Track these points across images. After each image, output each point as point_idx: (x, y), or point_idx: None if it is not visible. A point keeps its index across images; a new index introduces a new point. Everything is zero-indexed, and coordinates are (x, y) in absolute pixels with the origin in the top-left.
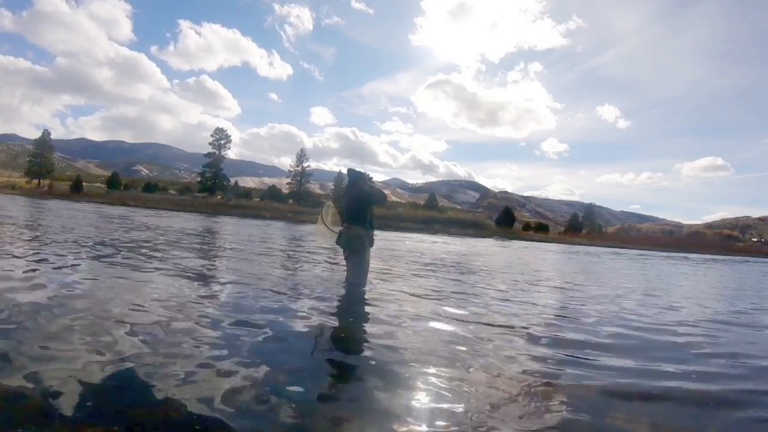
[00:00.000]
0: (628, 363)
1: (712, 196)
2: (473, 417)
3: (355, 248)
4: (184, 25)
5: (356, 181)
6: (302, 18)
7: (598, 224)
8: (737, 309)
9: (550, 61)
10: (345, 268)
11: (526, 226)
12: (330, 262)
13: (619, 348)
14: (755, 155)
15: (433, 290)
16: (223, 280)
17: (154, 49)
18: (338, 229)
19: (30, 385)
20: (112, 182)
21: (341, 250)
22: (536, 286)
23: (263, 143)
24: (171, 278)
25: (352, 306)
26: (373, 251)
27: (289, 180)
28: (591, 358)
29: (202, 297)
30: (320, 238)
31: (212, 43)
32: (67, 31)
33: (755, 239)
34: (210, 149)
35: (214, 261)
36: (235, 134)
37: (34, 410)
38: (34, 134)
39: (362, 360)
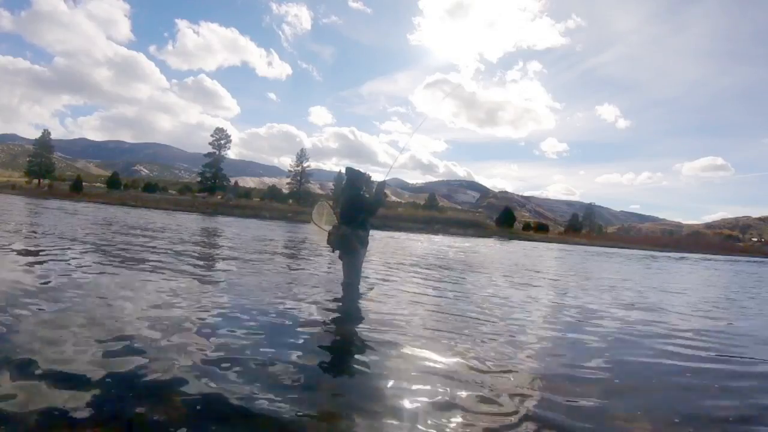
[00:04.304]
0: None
1: (712, 196)
2: (471, 418)
3: (344, 248)
4: (182, 24)
5: (353, 181)
6: (300, 17)
7: (598, 224)
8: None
9: (549, 60)
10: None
11: (526, 226)
12: (328, 262)
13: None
14: (755, 155)
15: (431, 290)
16: (220, 279)
17: (152, 48)
18: (329, 228)
19: (29, 386)
20: (112, 182)
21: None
22: (533, 288)
23: (263, 143)
24: (168, 277)
25: (346, 305)
26: (371, 250)
27: (289, 180)
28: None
29: (199, 296)
30: (316, 237)
31: (211, 43)
32: (65, 30)
33: (755, 239)
34: (210, 149)
35: (213, 260)
36: (235, 134)
37: (33, 410)
38: (34, 134)
39: (355, 359)
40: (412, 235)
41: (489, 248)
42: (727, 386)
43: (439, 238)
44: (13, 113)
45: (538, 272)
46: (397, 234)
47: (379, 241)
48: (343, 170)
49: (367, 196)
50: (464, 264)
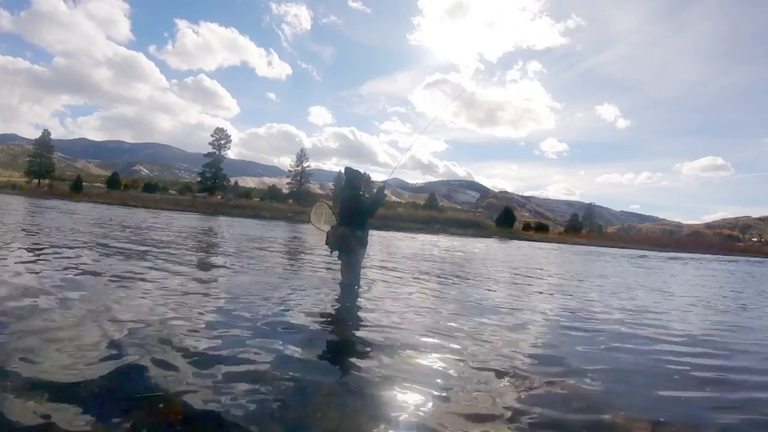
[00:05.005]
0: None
1: (712, 196)
2: (469, 416)
3: (343, 249)
4: (182, 24)
5: (352, 181)
6: (300, 17)
7: (598, 224)
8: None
9: (549, 60)
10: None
11: (526, 226)
12: (326, 262)
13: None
14: (755, 155)
15: (427, 291)
16: (215, 279)
17: (152, 48)
18: (328, 228)
19: (28, 386)
20: (112, 182)
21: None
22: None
23: (262, 143)
24: (161, 278)
25: (344, 306)
26: (372, 250)
27: (289, 180)
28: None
29: (197, 295)
30: (315, 237)
31: (210, 42)
32: (65, 30)
33: (755, 239)
34: (210, 149)
35: (209, 261)
36: (235, 134)
37: (33, 410)
38: (34, 134)
39: (354, 361)
40: (398, 234)
41: (477, 248)
42: (725, 386)
43: (439, 239)
44: (13, 113)
45: (528, 272)
46: (387, 233)
47: (378, 241)
48: (343, 170)
49: (367, 196)
50: (452, 264)
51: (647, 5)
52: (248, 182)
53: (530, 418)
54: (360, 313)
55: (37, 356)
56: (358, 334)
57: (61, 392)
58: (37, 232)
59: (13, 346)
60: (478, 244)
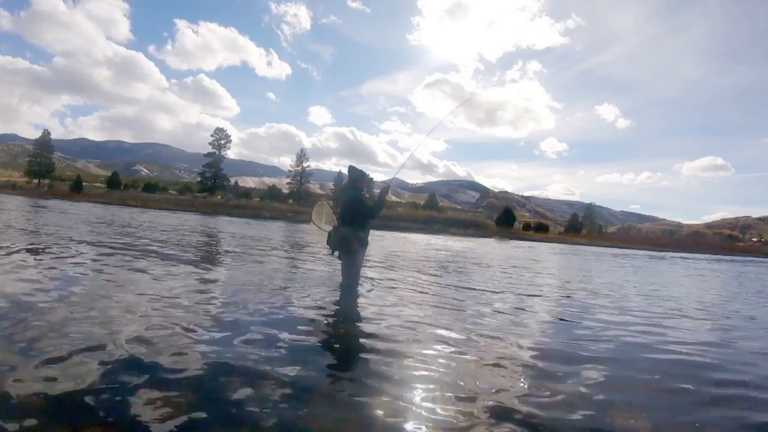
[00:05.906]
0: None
1: (712, 196)
2: (469, 415)
3: (343, 249)
4: (181, 24)
5: (355, 182)
6: (299, 17)
7: (598, 224)
8: None
9: (548, 60)
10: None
11: (526, 226)
12: (327, 263)
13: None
14: (755, 155)
15: (428, 292)
16: (212, 279)
17: (152, 48)
18: (329, 228)
19: (28, 385)
20: (112, 182)
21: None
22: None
23: (262, 143)
24: (157, 278)
25: (344, 307)
26: (371, 251)
27: (289, 180)
28: None
29: (194, 295)
30: (316, 237)
31: (210, 42)
32: (65, 30)
33: (755, 239)
34: (210, 149)
35: (211, 260)
36: (235, 134)
37: (33, 410)
38: (34, 134)
39: (354, 362)
40: (412, 235)
41: (468, 247)
42: (722, 385)
43: (439, 238)
44: (13, 113)
45: (513, 270)
46: (396, 234)
47: (379, 241)
48: (343, 170)
49: (367, 196)
50: (440, 264)
51: (647, 5)
52: (248, 182)
53: (531, 419)
54: (360, 315)
55: (21, 359)
56: (358, 334)
57: (66, 386)
58: (32, 231)
59: (17, 341)
60: (469, 244)
